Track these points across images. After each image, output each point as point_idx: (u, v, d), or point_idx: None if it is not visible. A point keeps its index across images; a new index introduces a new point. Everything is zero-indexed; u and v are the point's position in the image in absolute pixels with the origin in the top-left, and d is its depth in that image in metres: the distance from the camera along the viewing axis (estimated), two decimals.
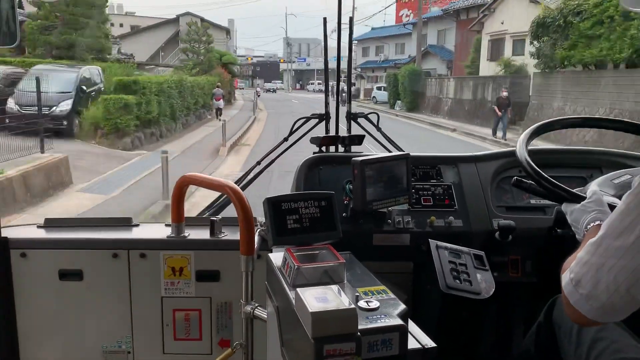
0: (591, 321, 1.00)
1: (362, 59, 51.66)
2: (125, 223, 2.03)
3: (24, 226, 2.08)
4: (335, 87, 2.31)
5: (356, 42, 48.39)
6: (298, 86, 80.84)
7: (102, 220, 2.06)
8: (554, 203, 1.84)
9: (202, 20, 35.14)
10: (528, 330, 1.71)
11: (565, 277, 1.04)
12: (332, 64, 2.52)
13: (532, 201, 2.03)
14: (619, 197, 1.55)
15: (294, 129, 2.35)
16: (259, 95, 34.28)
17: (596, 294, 0.96)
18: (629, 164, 2.04)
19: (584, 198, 1.58)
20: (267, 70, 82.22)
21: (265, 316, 1.35)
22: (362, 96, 48.33)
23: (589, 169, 2.09)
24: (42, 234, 1.96)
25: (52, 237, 1.94)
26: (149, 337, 1.91)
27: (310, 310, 0.93)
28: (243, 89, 62.24)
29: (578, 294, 0.99)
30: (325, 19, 2.28)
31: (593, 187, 1.56)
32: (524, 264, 1.94)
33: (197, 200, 6.20)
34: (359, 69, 50.25)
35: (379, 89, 41.27)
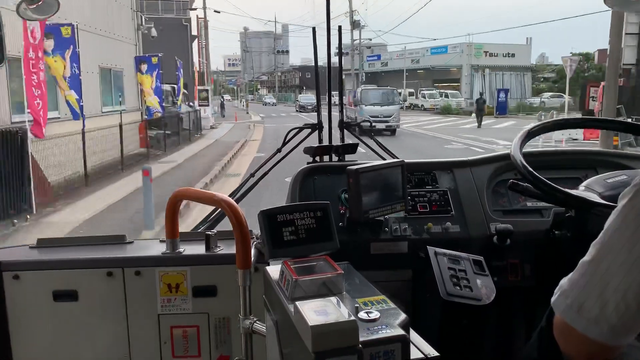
0: (604, 345, 0.92)
1: None
2: (119, 240, 2.00)
3: (16, 247, 2.05)
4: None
5: None
6: None
7: (95, 239, 2.03)
8: (550, 205, 1.84)
9: None
10: (529, 334, 1.69)
11: (561, 304, 0.95)
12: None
13: (529, 204, 2.02)
14: (609, 197, 1.54)
15: (286, 139, 2.34)
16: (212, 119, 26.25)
17: (605, 315, 0.89)
18: (624, 163, 2.05)
19: (579, 198, 1.58)
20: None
21: (265, 330, 1.33)
22: None
23: (583, 169, 2.09)
24: (34, 254, 1.93)
25: (45, 257, 1.91)
26: (146, 355, 1.88)
27: (310, 324, 0.91)
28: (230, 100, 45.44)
29: (584, 320, 0.92)
30: (314, 28, 2.28)
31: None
32: (523, 268, 1.93)
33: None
34: None
35: None
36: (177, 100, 21.76)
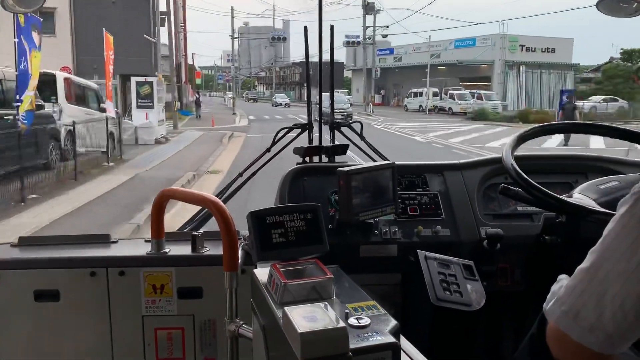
0: (598, 354, 0.90)
1: None
2: (103, 240, 1.96)
3: None
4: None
5: None
6: (379, 99, 46.39)
7: (78, 238, 1.99)
8: (541, 210, 1.83)
9: None
10: (519, 339, 1.68)
11: (556, 311, 0.93)
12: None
13: (519, 208, 2.01)
14: (604, 203, 1.53)
15: (276, 139, 2.31)
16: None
17: (601, 324, 0.88)
18: (614, 168, 2.05)
19: (569, 204, 1.57)
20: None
21: (251, 335, 1.30)
22: None
23: (574, 174, 2.09)
24: (15, 253, 1.89)
25: (27, 256, 1.86)
26: (130, 357, 1.84)
27: (299, 331, 0.88)
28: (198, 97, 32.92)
29: (579, 327, 0.90)
30: (306, 27, 2.25)
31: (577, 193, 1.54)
32: (513, 272, 1.93)
33: None
34: None
35: None
36: (22, 98, 8.89)
